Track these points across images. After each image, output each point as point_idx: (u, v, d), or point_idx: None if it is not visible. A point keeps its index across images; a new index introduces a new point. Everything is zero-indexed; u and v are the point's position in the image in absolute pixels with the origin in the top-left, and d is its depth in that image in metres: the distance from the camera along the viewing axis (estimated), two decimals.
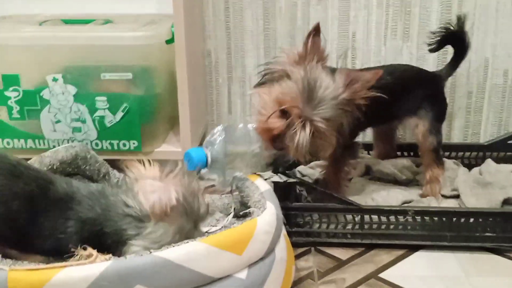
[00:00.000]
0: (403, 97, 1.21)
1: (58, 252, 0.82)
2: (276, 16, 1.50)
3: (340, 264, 1.08)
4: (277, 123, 1.02)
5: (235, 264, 0.81)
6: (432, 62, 1.48)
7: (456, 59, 1.32)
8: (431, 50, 1.30)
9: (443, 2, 1.44)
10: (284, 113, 1.02)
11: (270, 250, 0.87)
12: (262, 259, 0.85)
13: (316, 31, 1.03)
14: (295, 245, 1.08)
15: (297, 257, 1.10)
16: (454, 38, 1.29)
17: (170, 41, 1.31)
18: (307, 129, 0.99)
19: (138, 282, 0.73)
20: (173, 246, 0.77)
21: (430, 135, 1.24)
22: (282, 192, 1.07)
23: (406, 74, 1.27)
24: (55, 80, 1.28)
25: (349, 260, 1.10)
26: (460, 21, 1.26)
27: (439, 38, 1.28)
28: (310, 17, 1.49)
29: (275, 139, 1.02)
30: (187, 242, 0.77)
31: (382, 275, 1.04)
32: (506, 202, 1.21)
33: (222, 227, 1.01)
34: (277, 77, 1.05)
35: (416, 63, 1.47)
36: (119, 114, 1.30)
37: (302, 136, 0.99)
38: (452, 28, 1.26)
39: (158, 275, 0.74)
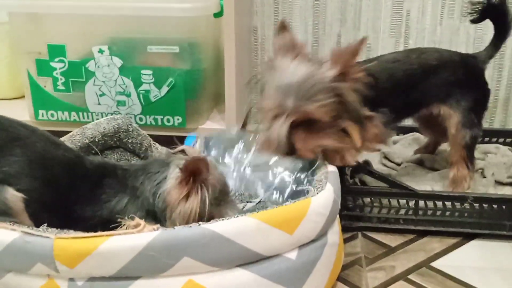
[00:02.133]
0: (424, 81, 1.10)
1: (100, 222, 0.82)
2: None
3: (389, 251, 1.04)
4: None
5: (285, 243, 0.77)
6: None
7: (498, 38, 1.17)
8: (472, 21, 1.16)
9: None
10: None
11: (323, 233, 0.83)
12: (313, 241, 0.81)
13: (281, 29, 0.97)
14: (343, 229, 1.04)
15: (344, 241, 1.06)
16: (494, 12, 1.14)
17: (217, 14, 1.27)
18: (281, 121, 0.91)
19: (185, 253, 0.71)
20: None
21: (463, 128, 1.10)
22: None
23: (426, 56, 1.12)
24: (101, 51, 1.26)
25: (399, 247, 1.05)
26: None
27: (479, 8, 1.13)
28: None
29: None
30: (237, 216, 0.75)
31: (434, 264, 0.99)
32: None
33: (260, 200, 0.98)
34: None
35: (473, 44, 1.40)
36: (164, 89, 1.28)
37: (274, 129, 0.92)
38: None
39: (206, 248, 0.72)
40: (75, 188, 0.83)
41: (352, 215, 1.10)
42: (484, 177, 1.23)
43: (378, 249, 1.05)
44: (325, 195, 0.82)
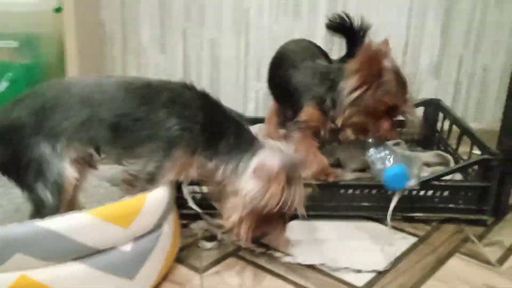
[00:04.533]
0: None
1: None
2: None
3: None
4: (388, 123, 1.12)
5: (120, 237, 0.82)
6: (321, 40, 1.54)
7: (349, 49, 1.36)
8: (327, 27, 1.36)
9: None
10: (390, 112, 1.11)
11: (159, 224, 0.89)
12: (149, 232, 0.87)
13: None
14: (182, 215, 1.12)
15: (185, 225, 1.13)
16: (346, 31, 1.34)
17: (58, 9, 1.27)
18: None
19: (18, 250, 0.73)
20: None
21: None
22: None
23: None
24: None
25: None
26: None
27: (334, 24, 1.33)
28: None
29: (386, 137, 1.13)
30: (73, 212, 0.78)
31: None
32: None
33: None
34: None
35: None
36: (3, 84, 1.26)
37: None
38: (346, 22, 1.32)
39: (39, 244, 0.74)
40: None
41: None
42: None
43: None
44: (160, 190, 0.88)
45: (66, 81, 1.00)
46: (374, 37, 1.36)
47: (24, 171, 0.85)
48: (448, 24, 1.54)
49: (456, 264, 1.04)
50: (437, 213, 1.18)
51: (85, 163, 0.93)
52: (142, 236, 0.86)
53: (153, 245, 0.87)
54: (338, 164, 1.31)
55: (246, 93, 1.59)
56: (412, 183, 1.09)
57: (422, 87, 1.60)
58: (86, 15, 1.38)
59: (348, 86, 1.10)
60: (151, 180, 0.88)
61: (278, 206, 0.89)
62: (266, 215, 0.91)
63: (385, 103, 1.09)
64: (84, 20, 1.35)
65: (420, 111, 1.44)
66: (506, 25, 1.52)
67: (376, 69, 1.08)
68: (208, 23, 1.54)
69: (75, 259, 0.79)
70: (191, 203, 1.06)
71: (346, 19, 1.32)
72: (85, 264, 0.79)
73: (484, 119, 1.62)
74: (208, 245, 1.06)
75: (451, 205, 1.18)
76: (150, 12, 1.52)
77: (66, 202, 0.88)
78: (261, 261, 1.02)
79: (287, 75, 1.20)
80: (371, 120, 1.11)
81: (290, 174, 0.90)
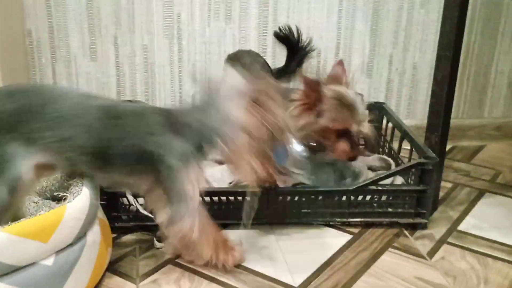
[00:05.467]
0: None
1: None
2: None
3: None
4: (345, 146, 1.14)
5: (40, 252, 0.80)
6: (253, 43, 1.56)
7: (288, 58, 1.40)
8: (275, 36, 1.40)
9: None
10: (342, 135, 1.14)
11: (81, 236, 0.87)
12: (71, 244, 0.85)
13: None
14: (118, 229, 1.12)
15: (118, 237, 1.12)
16: (287, 42, 1.39)
17: None
18: (366, 124, 1.14)
19: None
20: None
21: None
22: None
23: None
24: None
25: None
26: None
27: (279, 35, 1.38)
28: None
29: (350, 158, 1.16)
30: None
31: None
32: None
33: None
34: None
35: (239, 44, 1.54)
36: None
37: (368, 130, 1.15)
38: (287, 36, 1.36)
39: None
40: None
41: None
42: None
43: (150, 240, 1.11)
44: (81, 199, 0.87)
45: (60, 89, 1.04)
46: (307, 38, 1.39)
47: None
48: (377, 24, 1.57)
49: (389, 258, 1.07)
50: (376, 217, 1.18)
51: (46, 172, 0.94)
52: (64, 248, 0.84)
53: (77, 257, 0.86)
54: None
55: (182, 98, 1.58)
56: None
57: (355, 87, 1.62)
58: (9, 24, 1.34)
59: (293, 114, 1.12)
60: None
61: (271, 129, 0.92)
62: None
63: (332, 129, 1.12)
64: (7, 30, 1.31)
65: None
66: (432, 24, 1.57)
67: (314, 98, 1.11)
68: (138, 29, 1.52)
69: None
70: (140, 209, 1.07)
71: (295, 33, 1.34)
72: (5, 283, 0.77)
73: (416, 115, 1.66)
74: (159, 244, 1.08)
75: (389, 209, 1.18)
76: (79, 20, 1.49)
77: (16, 204, 0.88)
78: (198, 267, 1.02)
79: None
80: (327, 142, 1.15)
81: (261, 99, 0.92)
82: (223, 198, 1.14)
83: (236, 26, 1.54)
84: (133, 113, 0.94)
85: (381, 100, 1.61)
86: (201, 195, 0.96)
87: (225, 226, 1.12)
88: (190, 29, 1.53)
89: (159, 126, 0.93)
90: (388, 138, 1.43)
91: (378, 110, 1.47)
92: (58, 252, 0.83)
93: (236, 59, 1.35)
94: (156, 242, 1.09)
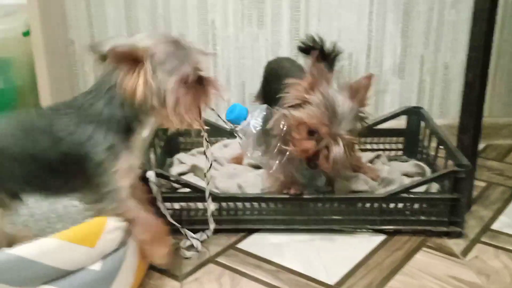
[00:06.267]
0: None
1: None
2: (137, 3, 1.54)
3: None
4: (309, 144, 1.08)
5: (88, 257, 0.85)
6: (286, 48, 1.59)
7: None
8: (299, 50, 1.40)
9: None
10: (312, 135, 1.08)
11: (124, 241, 0.92)
12: (116, 250, 0.90)
13: (317, 59, 1.12)
14: None
15: None
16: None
17: (27, 33, 1.30)
18: (340, 143, 1.06)
19: None
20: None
21: None
22: None
23: None
24: None
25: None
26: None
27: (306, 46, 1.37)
28: (170, 4, 1.55)
29: (310, 160, 1.09)
30: (39, 238, 0.81)
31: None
32: None
33: None
34: (295, 105, 1.11)
35: (271, 49, 1.58)
36: None
37: (336, 150, 1.06)
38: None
39: (11, 271, 0.77)
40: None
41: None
42: None
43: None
44: None
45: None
46: (337, 41, 1.42)
47: None
48: (408, 25, 1.59)
49: (423, 258, 1.09)
50: (409, 225, 1.16)
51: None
52: (110, 253, 0.89)
53: (122, 260, 0.90)
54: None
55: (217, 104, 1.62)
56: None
57: (387, 88, 1.64)
58: (54, 36, 1.41)
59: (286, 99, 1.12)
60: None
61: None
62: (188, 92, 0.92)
63: (305, 123, 1.09)
64: (52, 41, 1.38)
65: (403, 119, 1.47)
66: (463, 24, 1.58)
67: (308, 89, 1.10)
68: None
69: (46, 282, 0.82)
70: (169, 218, 1.10)
71: (318, 41, 1.35)
72: (57, 287, 0.82)
73: (449, 114, 1.67)
74: (188, 254, 1.10)
75: (422, 217, 1.16)
76: (118, 28, 1.55)
77: None
78: (238, 266, 1.07)
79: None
80: (295, 135, 1.11)
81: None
82: (255, 204, 1.17)
83: (268, 31, 1.58)
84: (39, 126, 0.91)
85: (414, 101, 1.63)
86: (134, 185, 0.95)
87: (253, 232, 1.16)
88: (224, 35, 1.57)
89: (74, 125, 0.89)
90: (426, 143, 1.41)
91: (415, 114, 1.46)
92: (104, 257, 0.88)
93: (276, 63, 1.38)
94: (185, 252, 1.11)
